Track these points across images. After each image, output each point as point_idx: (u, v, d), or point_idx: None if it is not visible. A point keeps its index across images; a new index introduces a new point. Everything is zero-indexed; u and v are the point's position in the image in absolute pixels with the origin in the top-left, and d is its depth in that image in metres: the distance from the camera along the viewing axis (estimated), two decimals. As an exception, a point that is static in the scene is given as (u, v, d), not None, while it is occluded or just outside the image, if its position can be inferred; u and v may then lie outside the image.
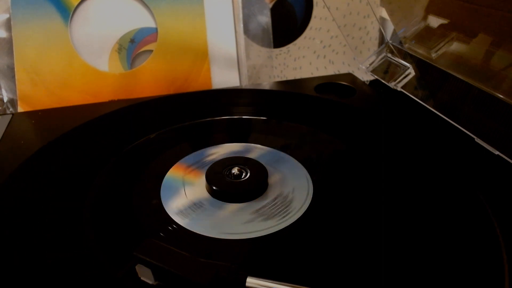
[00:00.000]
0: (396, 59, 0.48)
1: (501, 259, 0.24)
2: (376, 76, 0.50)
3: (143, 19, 0.51)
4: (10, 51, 0.47)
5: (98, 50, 0.50)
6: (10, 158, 0.35)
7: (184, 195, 0.31)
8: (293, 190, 0.31)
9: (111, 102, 0.45)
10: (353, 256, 0.25)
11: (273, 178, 0.32)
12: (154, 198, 0.30)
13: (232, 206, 0.29)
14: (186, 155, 0.35)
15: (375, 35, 0.65)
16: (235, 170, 0.31)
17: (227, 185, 0.30)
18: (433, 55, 0.44)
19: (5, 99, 0.48)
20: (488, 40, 0.38)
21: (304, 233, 0.27)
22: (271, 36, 0.58)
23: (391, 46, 0.50)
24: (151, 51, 0.51)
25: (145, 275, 0.23)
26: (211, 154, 0.35)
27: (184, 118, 0.41)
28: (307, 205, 0.29)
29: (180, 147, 0.37)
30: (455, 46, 0.42)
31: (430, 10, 0.44)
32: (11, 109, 0.48)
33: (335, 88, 0.48)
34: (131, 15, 0.51)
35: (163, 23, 0.51)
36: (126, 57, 0.51)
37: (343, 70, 0.66)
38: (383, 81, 0.48)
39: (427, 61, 0.45)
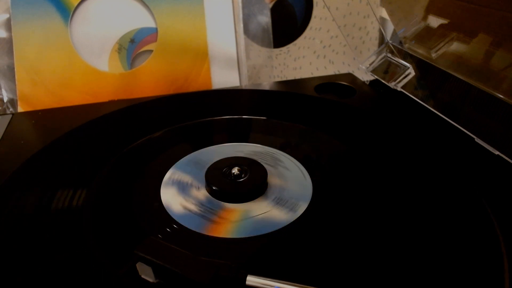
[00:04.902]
0: (396, 59, 0.48)
1: (501, 259, 0.24)
2: (376, 76, 0.50)
3: (143, 19, 0.51)
4: (10, 51, 0.47)
5: (98, 50, 0.50)
6: (10, 158, 0.35)
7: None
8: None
9: (111, 102, 0.45)
10: (352, 256, 0.25)
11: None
12: (154, 198, 0.30)
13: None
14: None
15: (375, 35, 0.65)
16: (235, 170, 0.31)
17: (227, 185, 0.30)
18: (433, 55, 0.44)
19: (5, 99, 0.48)
20: (488, 40, 0.38)
21: (304, 233, 0.27)
22: (271, 36, 0.58)
23: (391, 46, 0.50)
24: (151, 51, 0.51)
25: (146, 273, 0.23)
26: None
27: (184, 118, 0.41)
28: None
29: (180, 147, 0.37)
30: (455, 46, 0.42)
31: (430, 10, 0.44)
32: (11, 109, 0.48)
33: (335, 88, 0.48)
34: (131, 15, 0.51)
35: (163, 23, 0.51)
36: (126, 57, 0.51)
37: (343, 70, 0.66)
38: (383, 81, 0.48)
39: (427, 61, 0.45)
